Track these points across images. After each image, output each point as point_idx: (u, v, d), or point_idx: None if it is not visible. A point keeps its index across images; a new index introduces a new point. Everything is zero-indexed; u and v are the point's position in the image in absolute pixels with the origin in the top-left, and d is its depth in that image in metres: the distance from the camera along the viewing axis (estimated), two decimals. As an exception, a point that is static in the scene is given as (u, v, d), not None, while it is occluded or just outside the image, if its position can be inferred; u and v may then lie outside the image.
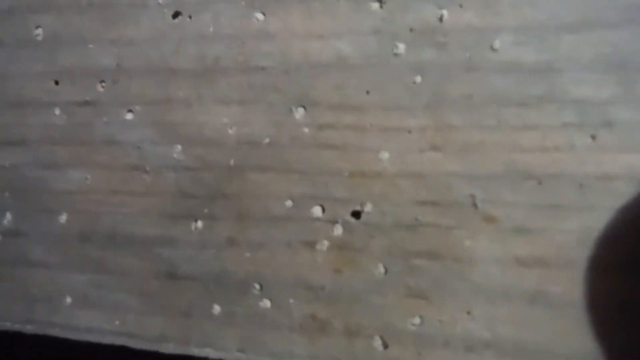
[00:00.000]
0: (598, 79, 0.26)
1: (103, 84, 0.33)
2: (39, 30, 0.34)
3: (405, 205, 0.28)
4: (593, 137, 0.26)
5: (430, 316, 0.28)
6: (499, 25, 0.27)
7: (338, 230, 0.29)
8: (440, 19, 0.28)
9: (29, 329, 0.35)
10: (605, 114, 0.26)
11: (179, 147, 0.32)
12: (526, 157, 0.27)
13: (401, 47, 0.28)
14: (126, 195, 0.33)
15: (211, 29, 0.31)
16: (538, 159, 0.26)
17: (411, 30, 0.28)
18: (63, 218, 0.34)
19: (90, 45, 0.33)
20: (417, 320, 0.28)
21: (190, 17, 0.32)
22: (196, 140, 0.32)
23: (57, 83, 0.34)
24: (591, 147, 0.26)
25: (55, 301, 0.34)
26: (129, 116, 0.33)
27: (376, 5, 0.29)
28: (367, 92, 0.29)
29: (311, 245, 0.30)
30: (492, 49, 0.27)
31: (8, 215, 0.35)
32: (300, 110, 0.30)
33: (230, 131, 0.31)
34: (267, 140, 0.31)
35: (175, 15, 0.32)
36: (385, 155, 0.29)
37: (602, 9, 0.25)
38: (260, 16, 0.31)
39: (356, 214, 0.29)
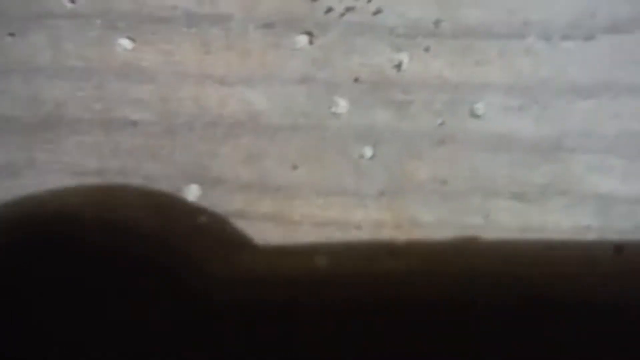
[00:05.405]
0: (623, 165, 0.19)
1: None
2: None
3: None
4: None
5: None
6: (485, 81, 0.19)
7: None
8: (399, 66, 0.19)
9: None
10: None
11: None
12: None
13: (342, 105, 0.20)
14: None
15: (47, 58, 0.20)
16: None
17: (356, 80, 0.19)
18: None
19: None
20: None
21: (11, 35, 0.20)
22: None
23: None
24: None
25: None
26: None
27: (304, 39, 0.19)
28: (294, 168, 0.20)
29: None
30: (473, 114, 0.19)
31: None
32: (194, 189, 0.20)
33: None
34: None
35: (-13, 33, 0.20)
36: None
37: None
38: (126, 43, 0.20)
39: None
